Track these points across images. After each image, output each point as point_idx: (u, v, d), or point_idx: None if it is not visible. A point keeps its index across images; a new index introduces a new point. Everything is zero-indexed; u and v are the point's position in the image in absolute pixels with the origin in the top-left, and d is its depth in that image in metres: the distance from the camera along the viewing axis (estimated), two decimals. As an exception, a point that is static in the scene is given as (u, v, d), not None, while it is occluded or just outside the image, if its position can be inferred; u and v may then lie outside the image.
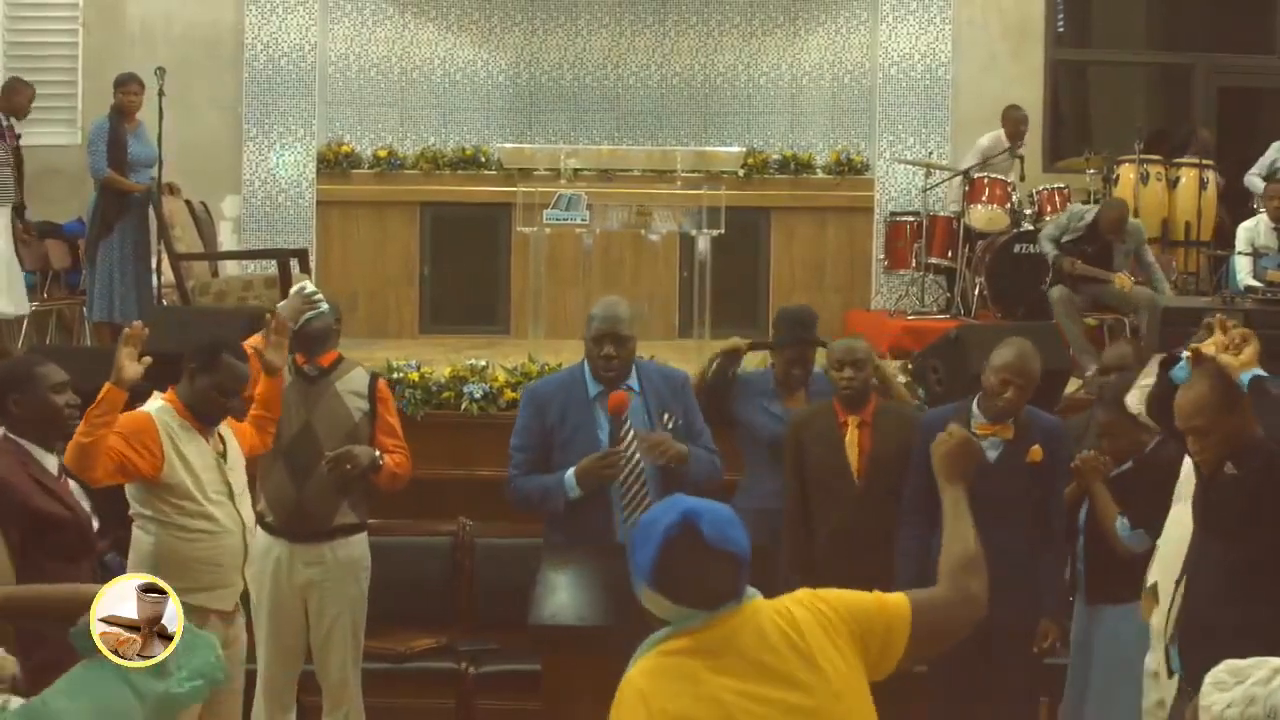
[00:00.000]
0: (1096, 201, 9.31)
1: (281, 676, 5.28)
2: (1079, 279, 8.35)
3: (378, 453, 5.21)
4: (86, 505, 4.39)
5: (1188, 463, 4.38)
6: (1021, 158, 9.79)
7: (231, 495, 4.72)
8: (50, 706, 2.07)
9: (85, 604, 2.20)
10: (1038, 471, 4.97)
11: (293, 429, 5.16)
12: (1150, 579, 4.45)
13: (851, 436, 5.20)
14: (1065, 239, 8.50)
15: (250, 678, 5.14)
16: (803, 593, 2.63)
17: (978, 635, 4.81)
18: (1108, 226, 8.45)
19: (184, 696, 2.17)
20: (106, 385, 4.41)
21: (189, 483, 4.59)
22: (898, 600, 2.65)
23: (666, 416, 4.86)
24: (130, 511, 4.68)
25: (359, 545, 5.32)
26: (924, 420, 5.18)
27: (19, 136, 9.34)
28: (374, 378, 5.41)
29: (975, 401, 5.07)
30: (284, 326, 5.02)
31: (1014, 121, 9.93)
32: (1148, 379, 4.66)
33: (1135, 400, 4.72)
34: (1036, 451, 4.96)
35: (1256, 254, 8.58)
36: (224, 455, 4.75)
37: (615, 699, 2.51)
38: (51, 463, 4.17)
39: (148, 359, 4.48)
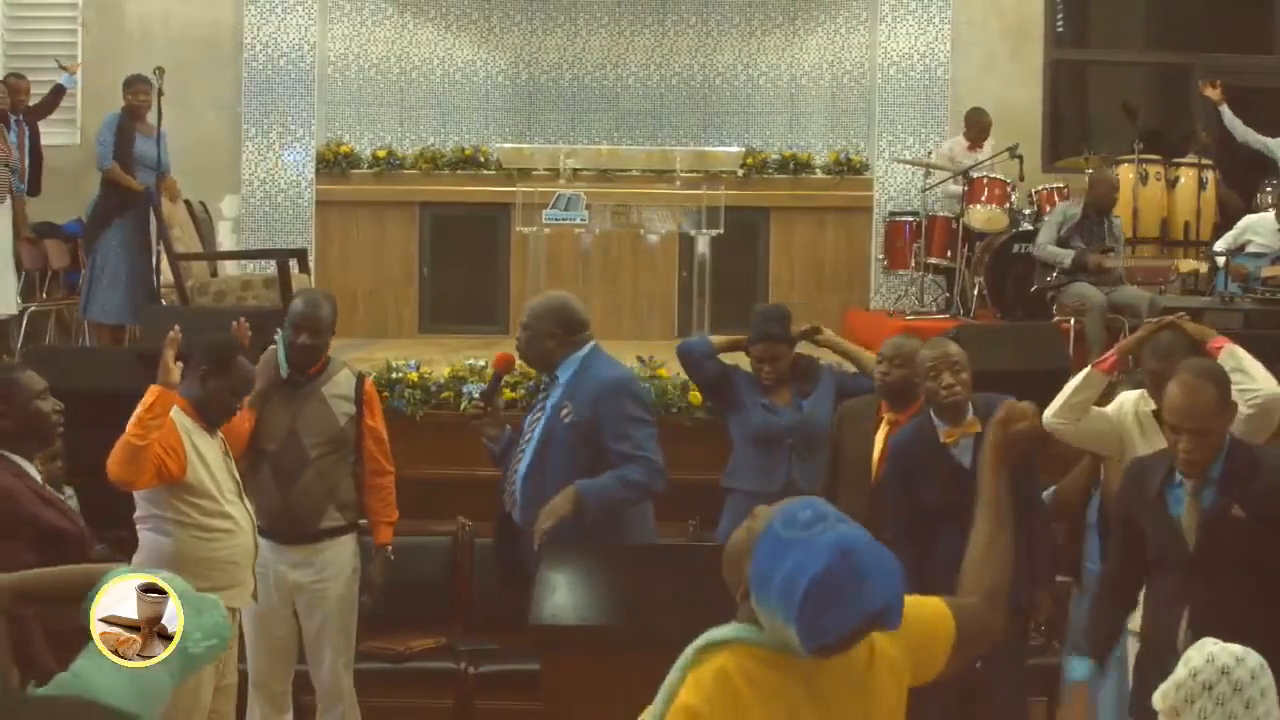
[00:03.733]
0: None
1: (273, 678, 5.28)
2: (1099, 272, 8.33)
3: (387, 547, 5.34)
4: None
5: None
6: (1021, 158, 9.79)
7: (240, 493, 4.75)
8: (83, 678, 2.07)
9: (95, 580, 2.24)
10: None
11: (278, 434, 5.15)
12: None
13: (881, 433, 5.31)
14: (1063, 232, 8.50)
15: (242, 678, 5.15)
16: None
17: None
18: (1102, 195, 8.50)
19: (200, 656, 2.22)
20: (156, 388, 4.45)
21: (208, 482, 4.61)
22: (943, 614, 2.48)
23: (565, 411, 4.91)
24: (138, 514, 4.67)
25: (347, 547, 5.30)
26: (892, 444, 5.13)
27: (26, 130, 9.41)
28: (360, 379, 5.39)
29: (931, 412, 5.03)
30: (244, 334, 5.07)
31: (977, 126, 9.97)
32: (1081, 395, 4.71)
33: (1051, 415, 4.72)
34: None
35: (1241, 249, 8.56)
36: (226, 454, 4.76)
37: (690, 677, 2.25)
38: (35, 473, 4.12)
39: (179, 363, 4.53)
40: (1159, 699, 2.81)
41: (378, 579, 5.34)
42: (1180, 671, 2.79)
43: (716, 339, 6.08)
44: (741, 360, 5.93)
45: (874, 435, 5.33)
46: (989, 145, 9.91)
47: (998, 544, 2.60)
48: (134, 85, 8.74)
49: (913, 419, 5.23)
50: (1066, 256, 8.38)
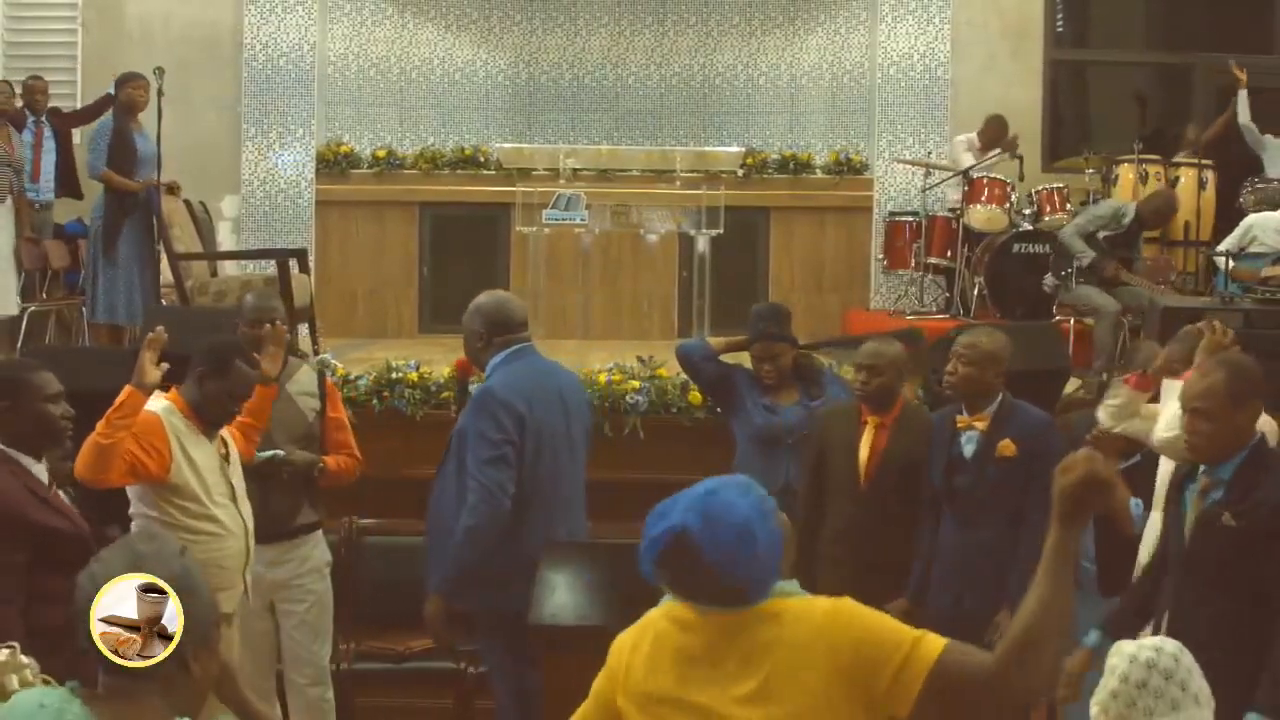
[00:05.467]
0: (1095, 201, 9.32)
1: (258, 675, 5.28)
2: (1114, 283, 8.33)
3: (320, 462, 5.27)
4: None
5: (1164, 468, 4.40)
6: (1020, 158, 9.79)
7: (234, 497, 4.74)
8: None
9: None
10: (1014, 464, 4.97)
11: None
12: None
13: (867, 437, 5.25)
14: (1102, 234, 8.47)
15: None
16: (831, 605, 2.47)
17: (953, 630, 4.90)
18: (1153, 211, 8.49)
19: None
20: (128, 388, 4.43)
21: (195, 484, 4.60)
22: (930, 645, 2.39)
23: (460, 416, 4.99)
24: (131, 511, 4.69)
25: (319, 542, 5.41)
26: (935, 420, 5.22)
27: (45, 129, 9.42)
28: (321, 375, 5.53)
29: None
30: (280, 337, 5.04)
31: (992, 133, 9.91)
32: (1115, 399, 4.73)
33: (1106, 416, 4.78)
34: (1007, 446, 4.98)
35: (1244, 250, 8.57)
36: (226, 457, 4.76)
37: None
38: (42, 472, 4.12)
39: (165, 365, 4.51)
40: (1099, 714, 2.81)
41: (299, 464, 5.22)
42: (1110, 681, 2.80)
43: (716, 340, 6.08)
44: (745, 360, 5.93)
45: (858, 439, 5.26)
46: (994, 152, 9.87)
47: (1047, 606, 2.31)
48: (133, 80, 8.72)
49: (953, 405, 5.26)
50: (1087, 256, 8.34)
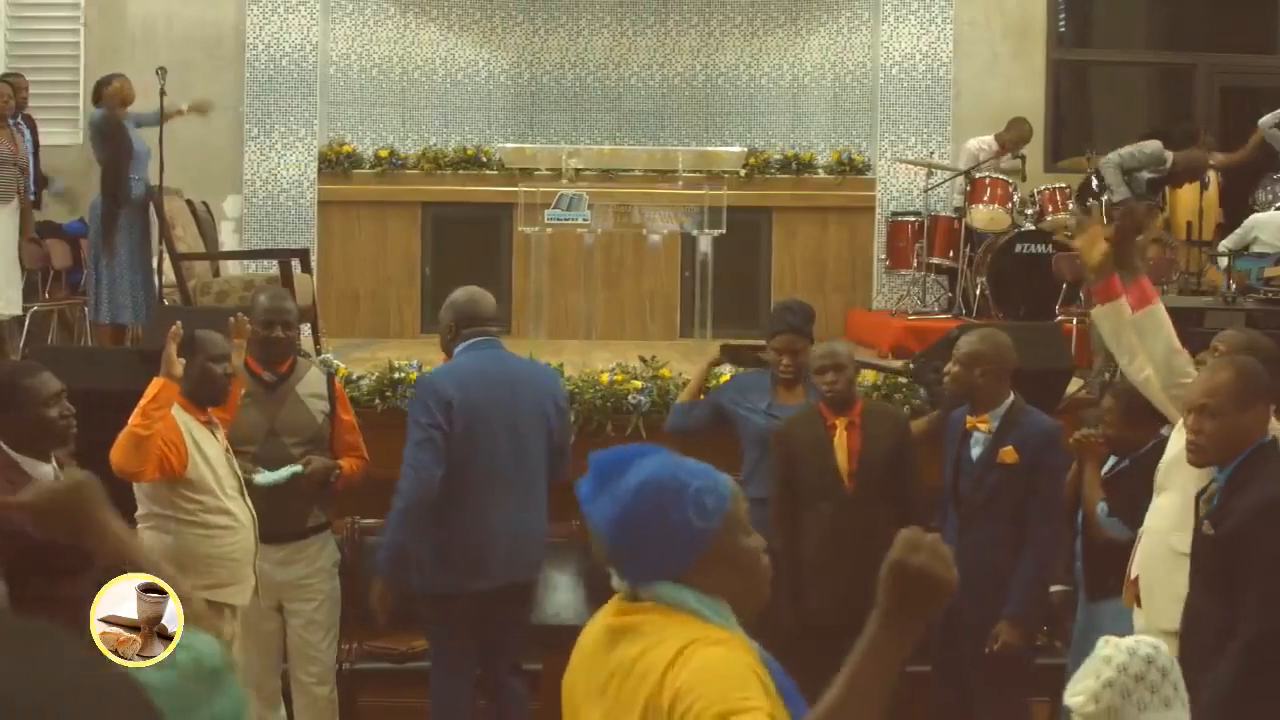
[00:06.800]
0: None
1: (264, 675, 5.32)
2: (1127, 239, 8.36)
3: (337, 468, 5.29)
4: None
5: (1169, 452, 4.37)
6: (1023, 158, 9.79)
7: (241, 490, 4.77)
8: None
9: None
10: (1014, 472, 4.94)
11: (259, 435, 5.20)
12: (1133, 572, 4.44)
13: (840, 438, 5.16)
14: (1144, 175, 8.50)
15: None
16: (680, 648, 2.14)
17: (947, 631, 4.90)
18: (1187, 171, 8.56)
19: None
20: (159, 380, 4.51)
21: (210, 478, 4.66)
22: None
23: None
24: (139, 513, 4.70)
25: (327, 541, 5.43)
26: (950, 420, 5.19)
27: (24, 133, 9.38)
28: (330, 377, 5.55)
29: None
30: (243, 328, 5.08)
31: (1017, 134, 9.89)
32: (1113, 339, 4.66)
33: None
34: (1009, 453, 4.93)
35: (1246, 248, 8.57)
36: (228, 451, 4.79)
37: None
38: (46, 474, 4.12)
39: (182, 359, 4.59)
40: (1088, 703, 2.80)
41: (321, 473, 5.25)
42: (1106, 671, 2.79)
43: (682, 396, 6.07)
44: (721, 370, 5.95)
45: (828, 442, 5.17)
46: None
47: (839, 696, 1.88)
48: (117, 78, 8.72)
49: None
50: (1122, 191, 8.39)
